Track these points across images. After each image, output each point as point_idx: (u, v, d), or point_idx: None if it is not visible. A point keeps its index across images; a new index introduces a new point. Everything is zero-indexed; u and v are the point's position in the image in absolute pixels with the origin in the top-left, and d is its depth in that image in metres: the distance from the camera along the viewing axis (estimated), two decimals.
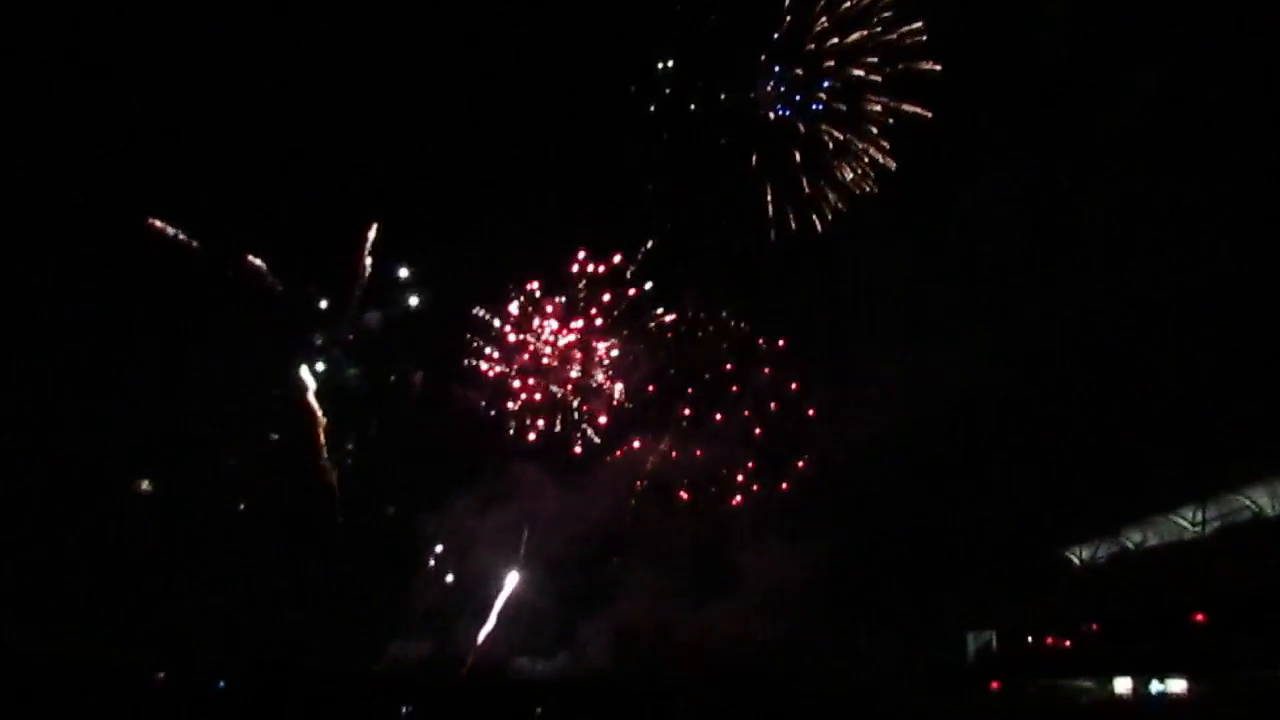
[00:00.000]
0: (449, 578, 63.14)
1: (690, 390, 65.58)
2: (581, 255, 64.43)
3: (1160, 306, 52.03)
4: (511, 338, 64.74)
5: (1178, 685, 43.79)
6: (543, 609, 62.25)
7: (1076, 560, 56.35)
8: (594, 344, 65.03)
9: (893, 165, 60.42)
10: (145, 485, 60.47)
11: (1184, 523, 48.17)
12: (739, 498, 64.51)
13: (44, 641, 51.63)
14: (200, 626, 58.45)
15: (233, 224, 60.54)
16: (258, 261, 61.37)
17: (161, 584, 59.06)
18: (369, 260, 63.15)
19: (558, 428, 64.75)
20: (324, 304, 64.06)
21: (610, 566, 63.18)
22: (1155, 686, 44.88)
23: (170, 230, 59.20)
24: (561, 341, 64.82)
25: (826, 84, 59.96)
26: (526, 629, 62.77)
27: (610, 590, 62.45)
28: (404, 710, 56.80)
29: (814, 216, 61.50)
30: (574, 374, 64.93)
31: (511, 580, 61.86)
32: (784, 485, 64.35)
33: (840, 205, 61.22)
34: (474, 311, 64.62)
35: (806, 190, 61.23)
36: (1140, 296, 52.84)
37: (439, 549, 63.43)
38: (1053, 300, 57.59)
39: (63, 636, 52.50)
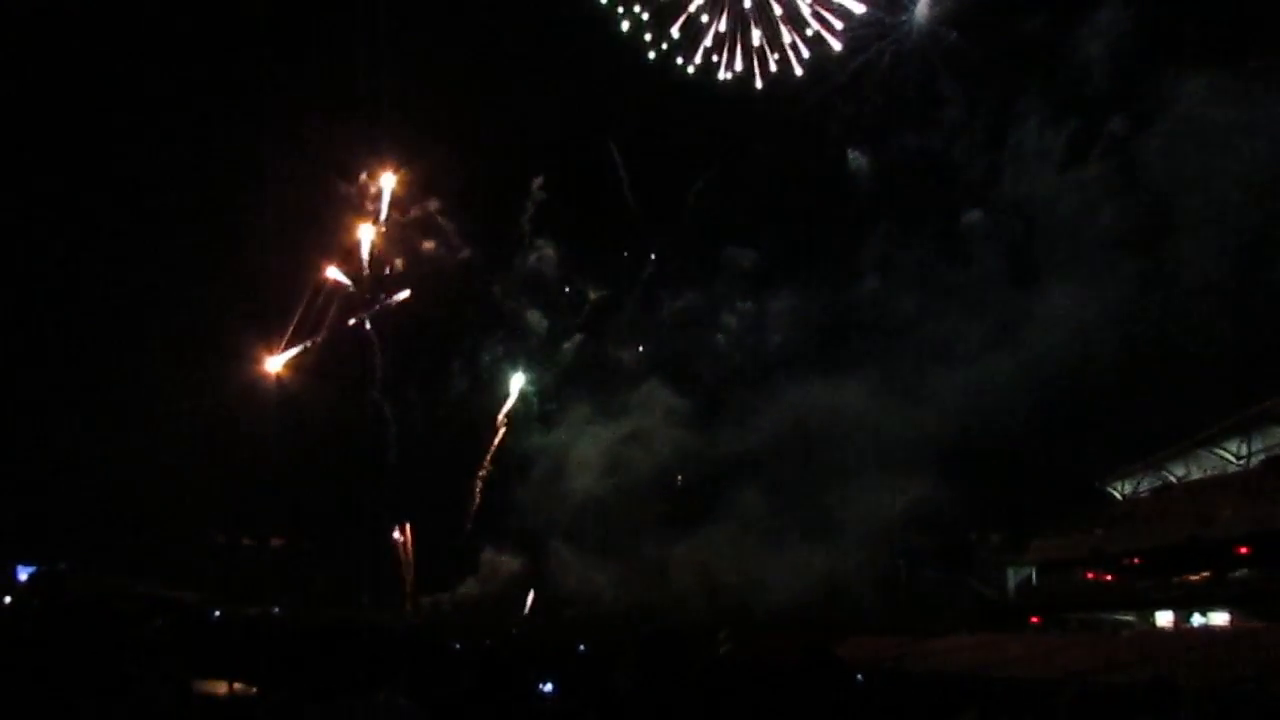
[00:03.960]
0: (549, 495, 66.43)
1: None
2: None
3: (1212, 239, 50.61)
4: None
5: (1220, 618, 43.60)
6: (630, 535, 64.58)
7: (1118, 495, 55.92)
8: None
9: None
10: None
11: (1228, 456, 47.52)
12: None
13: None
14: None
15: None
16: None
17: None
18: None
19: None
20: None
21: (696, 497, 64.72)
22: (1197, 620, 44.75)
23: None
24: None
25: None
26: (610, 555, 65.42)
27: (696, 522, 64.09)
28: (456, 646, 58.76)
29: None
30: None
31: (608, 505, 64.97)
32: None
33: None
34: None
35: None
36: (1188, 228, 51.48)
37: (547, 467, 66.94)
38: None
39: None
